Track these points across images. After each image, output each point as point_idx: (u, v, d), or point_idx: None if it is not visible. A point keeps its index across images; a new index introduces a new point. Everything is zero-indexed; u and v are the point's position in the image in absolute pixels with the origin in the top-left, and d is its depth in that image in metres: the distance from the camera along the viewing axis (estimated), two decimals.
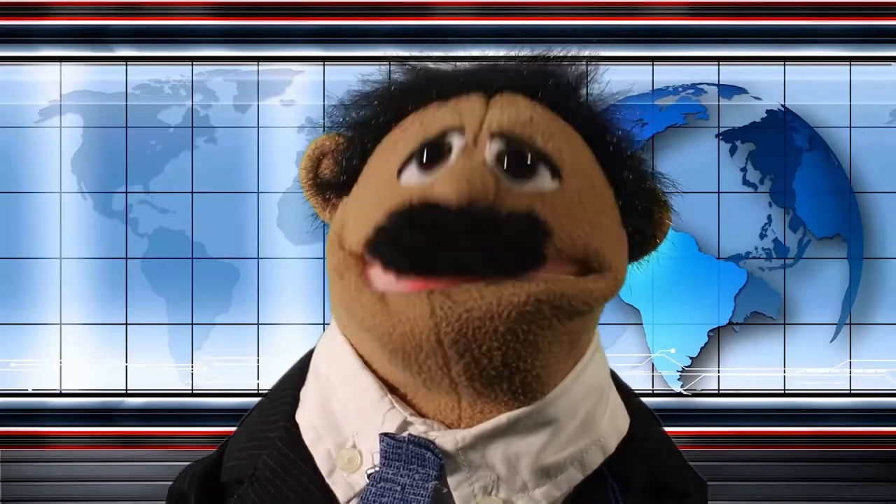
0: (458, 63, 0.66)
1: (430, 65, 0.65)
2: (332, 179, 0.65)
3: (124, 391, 1.91)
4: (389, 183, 0.60)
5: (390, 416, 0.59)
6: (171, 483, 0.71)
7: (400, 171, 0.59)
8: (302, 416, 0.63)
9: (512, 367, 0.55)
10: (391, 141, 0.62)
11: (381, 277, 0.57)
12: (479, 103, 0.61)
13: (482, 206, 0.54)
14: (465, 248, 0.53)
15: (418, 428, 0.58)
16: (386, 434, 0.58)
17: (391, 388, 0.60)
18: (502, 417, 0.57)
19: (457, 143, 0.59)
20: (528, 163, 0.58)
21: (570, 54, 0.65)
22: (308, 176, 0.66)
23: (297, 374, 0.67)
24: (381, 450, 0.58)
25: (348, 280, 0.58)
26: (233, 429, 0.70)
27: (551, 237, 0.55)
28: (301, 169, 0.67)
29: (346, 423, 0.61)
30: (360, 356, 0.61)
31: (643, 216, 0.64)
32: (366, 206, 0.60)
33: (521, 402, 0.58)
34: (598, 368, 0.64)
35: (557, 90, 0.63)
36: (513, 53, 0.66)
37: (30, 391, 1.91)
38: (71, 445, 1.88)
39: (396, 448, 0.57)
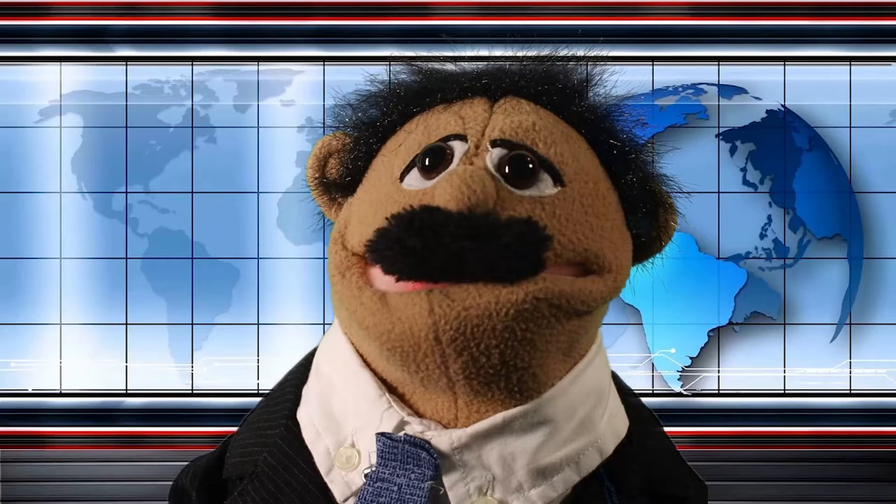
0: (458, 63, 0.66)
1: (436, 65, 0.65)
2: (337, 179, 0.66)
3: (124, 391, 1.91)
4: (391, 186, 0.60)
5: (388, 416, 0.59)
6: (172, 482, 0.71)
7: (403, 176, 0.60)
8: (303, 415, 0.64)
9: (510, 366, 0.56)
10: (395, 143, 0.63)
11: (381, 277, 0.57)
12: (482, 108, 0.62)
13: (482, 211, 0.54)
14: (463, 253, 0.53)
15: (415, 427, 0.58)
16: (382, 434, 0.58)
17: (390, 388, 0.60)
18: (498, 417, 0.58)
19: (459, 148, 0.59)
20: (530, 167, 0.58)
21: (574, 55, 0.65)
22: (314, 175, 0.67)
23: (301, 372, 0.68)
24: (378, 449, 0.58)
25: (350, 279, 0.58)
26: (233, 429, 0.70)
27: (550, 243, 0.56)
28: (308, 168, 0.67)
29: (346, 422, 0.61)
30: (361, 355, 0.62)
31: (648, 218, 0.64)
32: (368, 209, 0.61)
33: (517, 400, 0.58)
34: (599, 370, 0.64)
35: (561, 93, 0.63)
36: (517, 54, 0.65)
37: (30, 391, 1.91)
38: (71, 445, 1.88)
39: (392, 448, 0.58)
